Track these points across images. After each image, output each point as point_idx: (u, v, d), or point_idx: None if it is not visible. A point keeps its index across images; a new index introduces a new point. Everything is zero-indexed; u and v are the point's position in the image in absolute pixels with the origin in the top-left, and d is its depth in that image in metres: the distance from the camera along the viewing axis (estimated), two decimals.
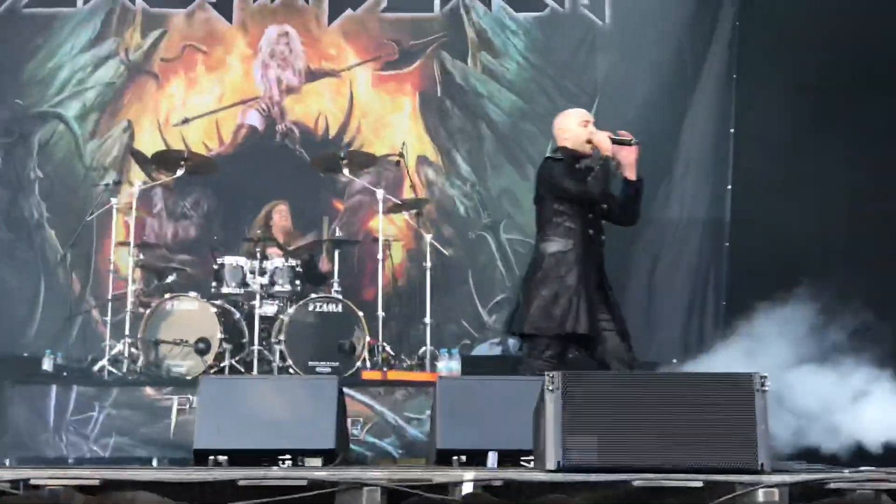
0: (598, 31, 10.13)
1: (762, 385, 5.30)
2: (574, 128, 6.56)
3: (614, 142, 6.39)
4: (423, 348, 8.67)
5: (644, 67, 9.79)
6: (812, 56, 8.85)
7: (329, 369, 8.13)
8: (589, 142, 6.46)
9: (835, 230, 7.94)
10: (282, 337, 8.19)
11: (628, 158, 6.39)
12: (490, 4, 10.27)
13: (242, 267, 8.44)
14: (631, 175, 6.40)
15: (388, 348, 8.58)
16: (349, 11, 10.26)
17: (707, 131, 9.95)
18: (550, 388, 5.03)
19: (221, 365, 8.08)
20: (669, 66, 9.91)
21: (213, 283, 8.47)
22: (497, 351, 9.73)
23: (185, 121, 10.12)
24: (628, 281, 9.42)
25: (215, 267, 8.49)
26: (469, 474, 4.69)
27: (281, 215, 9.41)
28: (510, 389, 5.93)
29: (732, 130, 9.83)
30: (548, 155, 6.69)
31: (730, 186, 9.80)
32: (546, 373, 5.08)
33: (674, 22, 9.90)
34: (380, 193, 8.77)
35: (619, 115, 9.49)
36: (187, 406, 7.32)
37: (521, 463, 5.62)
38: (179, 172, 8.66)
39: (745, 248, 9.30)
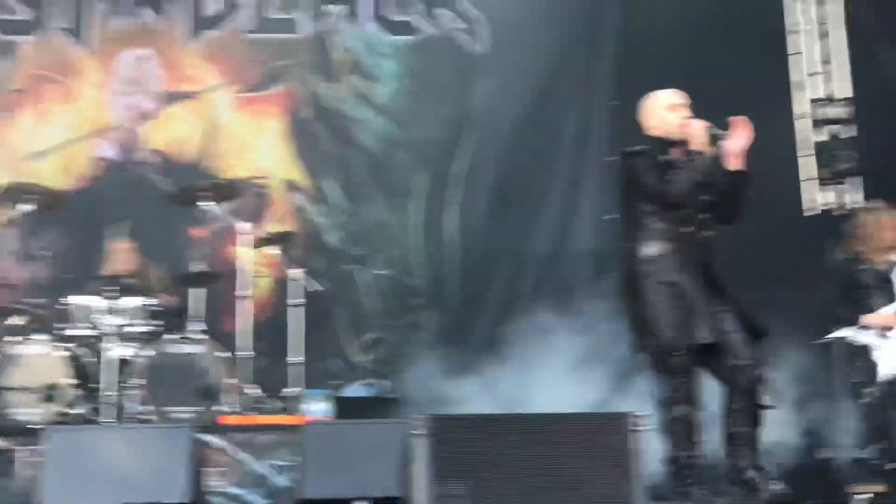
0: (476, 57, 10.15)
1: (637, 424, 5.35)
2: (662, 113, 6.15)
3: (711, 136, 5.97)
4: (291, 389, 8.53)
5: (522, 94, 9.83)
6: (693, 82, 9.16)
7: (190, 414, 7.93)
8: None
9: None
10: (138, 381, 7.98)
11: (733, 146, 5.91)
12: (362, 26, 10.23)
13: (91, 307, 8.22)
14: (733, 164, 5.92)
15: (252, 390, 8.42)
16: (212, 32, 10.14)
17: (589, 158, 10.05)
18: (419, 432, 5.00)
19: (72, 412, 7.84)
20: (547, 93, 9.97)
21: (61, 325, 8.22)
22: (370, 392, 9.63)
23: (37, 154, 9.87)
24: None
25: (64, 307, 8.26)
26: None
27: (125, 251, 9.15)
28: (383, 433, 5.88)
29: (615, 158, 9.94)
30: (625, 149, 6.20)
31: (611, 217, 9.90)
32: (414, 416, 5.04)
33: (552, 49, 9.98)
34: (245, 226, 8.63)
35: (496, 143, 9.57)
36: (33, 458, 7.08)
37: None
38: (26, 208, 8.40)
39: None
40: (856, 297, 7.78)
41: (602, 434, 5.27)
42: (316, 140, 10.14)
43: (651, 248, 5.91)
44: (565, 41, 10.03)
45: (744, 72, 9.67)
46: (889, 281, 7.89)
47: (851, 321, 7.63)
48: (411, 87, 10.18)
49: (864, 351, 7.77)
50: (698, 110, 9.76)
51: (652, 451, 5.45)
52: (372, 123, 10.15)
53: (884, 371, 7.69)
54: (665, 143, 6.04)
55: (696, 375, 5.80)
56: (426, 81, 10.15)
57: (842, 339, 7.77)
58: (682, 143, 6.01)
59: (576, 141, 10.03)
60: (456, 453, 5.04)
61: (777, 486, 5.79)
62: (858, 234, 7.95)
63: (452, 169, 9.97)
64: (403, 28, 10.23)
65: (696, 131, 5.94)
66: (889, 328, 7.72)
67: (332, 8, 10.22)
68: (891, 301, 7.82)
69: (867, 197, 9.82)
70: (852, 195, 10.01)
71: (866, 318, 7.74)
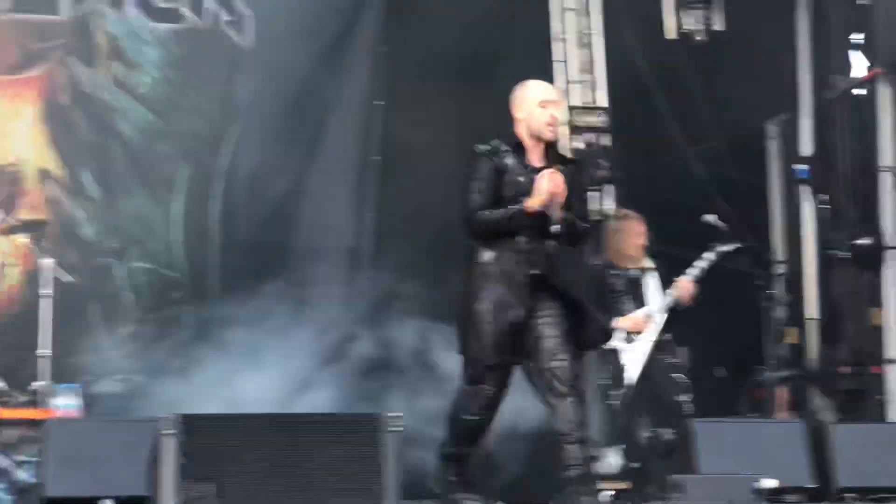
0: (240, 51, 10.03)
1: (393, 425, 5.43)
2: (531, 107, 5.90)
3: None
4: (39, 383, 8.29)
5: (287, 90, 9.79)
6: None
7: None
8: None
9: None
10: None
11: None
12: (124, 11, 9.94)
13: None
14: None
15: None
16: None
17: (352, 157, 10.10)
18: (166, 430, 4.95)
19: None
20: (312, 89, 9.97)
21: None
22: (121, 387, 9.44)
23: None
24: None
25: None
26: None
27: None
28: (131, 431, 5.79)
29: (378, 157, 10.05)
30: (475, 146, 5.97)
31: (373, 214, 10.00)
32: (163, 415, 4.99)
33: (318, 46, 9.96)
34: None
35: (259, 139, 9.52)
36: None
37: None
38: None
39: None
40: (607, 302, 8.07)
41: (355, 434, 5.33)
42: (73, 127, 9.81)
43: (485, 254, 5.90)
44: (332, 38, 10.03)
45: (512, 77, 9.91)
46: (639, 286, 8.22)
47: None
48: (174, 77, 9.93)
49: (613, 354, 8.08)
50: (469, 114, 10.13)
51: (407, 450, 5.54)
52: (132, 112, 9.89)
53: (630, 374, 8.02)
54: (520, 144, 5.89)
55: (497, 383, 5.95)
56: (190, 72, 9.95)
57: None
58: (541, 142, 5.91)
59: (341, 139, 10.07)
60: (205, 452, 5.02)
61: None
62: (609, 241, 8.24)
63: (215, 162, 9.85)
64: (169, 16, 9.97)
65: (551, 134, 5.83)
66: (638, 332, 8.05)
67: None
68: (639, 306, 8.16)
69: (619, 204, 10.24)
70: (606, 203, 10.39)
71: (618, 322, 8.04)
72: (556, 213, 5.74)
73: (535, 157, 5.91)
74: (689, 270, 8.16)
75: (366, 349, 9.28)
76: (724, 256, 8.32)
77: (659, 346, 8.10)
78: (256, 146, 9.70)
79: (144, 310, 9.69)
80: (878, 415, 9.26)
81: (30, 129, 9.76)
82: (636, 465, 8.01)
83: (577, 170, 6.08)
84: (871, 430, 8.12)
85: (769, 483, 6.43)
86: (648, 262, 8.28)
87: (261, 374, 8.84)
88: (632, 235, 8.22)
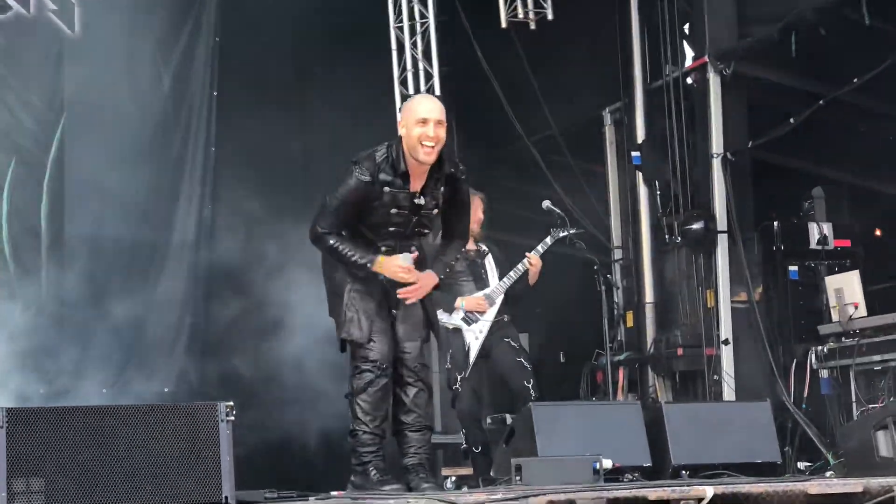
0: (67, 41, 9.79)
1: (227, 415, 5.42)
2: (408, 123, 5.79)
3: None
4: None
5: (118, 82, 9.64)
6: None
7: None
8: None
9: None
10: None
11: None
12: None
13: None
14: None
15: None
16: None
17: (191, 147, 10.02)
18: None
19: None
20: (146, 80, 9.84)
21: None
22: None
23: None
24: None
25: None
26: None
27: None
28: None
29: (213, 149, 9.99)
30: (354, 156, 5.92)
31: (210, 206, 9.94)
32: None
33: (148, 35, 9.83)
34: None
35: (90, 133, 9.35)
36: None
37: None
38: None
39: None
40: (448, 283, 8.12)
41: (192, 425, 5.30)
42: None
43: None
44: (164, 27, 9.91)
45: (350, 65, 9.99)
46: (476, 266, 8.26)
47: (443, 305, 7.97)
48: None
49: (456, 335, 8.14)
50: (308, 106, 10.16)
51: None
52: None
53: (473, 353, 8.10)
54: (396, 159, 5.81)
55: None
56: (15, 64, 9.68)
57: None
58: (421, 166, 5.82)
59: (178, 129, 9.97)
60: (34, 447, 4.93)
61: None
62: None
63: (43, 155, 9.63)
64: None
65: (423, 153, 5.73)
66: (481, 312, 8.13)
67: None
68: (479, 286, 8.22)
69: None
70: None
71: (463, 302, 8.09)
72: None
73: (416, 178, 5.85)
74: (536, 248, 8.25)
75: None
76: (563, 240, 8.46)
77: (499, 327, 8.19)
78: (87, 138, 9.52)
79: None
80: (714, 395, 9.52)
81: None
82: (477, 449, 8.12)
83: (455, 189, 6.03)
84: (703, 409, 8.39)
85: (606, 463, 6.57)
86: (485, 245, 8.36)
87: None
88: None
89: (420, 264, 6.03)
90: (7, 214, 9.51)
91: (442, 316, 7.85)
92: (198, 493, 5.19)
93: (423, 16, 10.51)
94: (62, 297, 9.25)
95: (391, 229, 5.93)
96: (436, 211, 5.97)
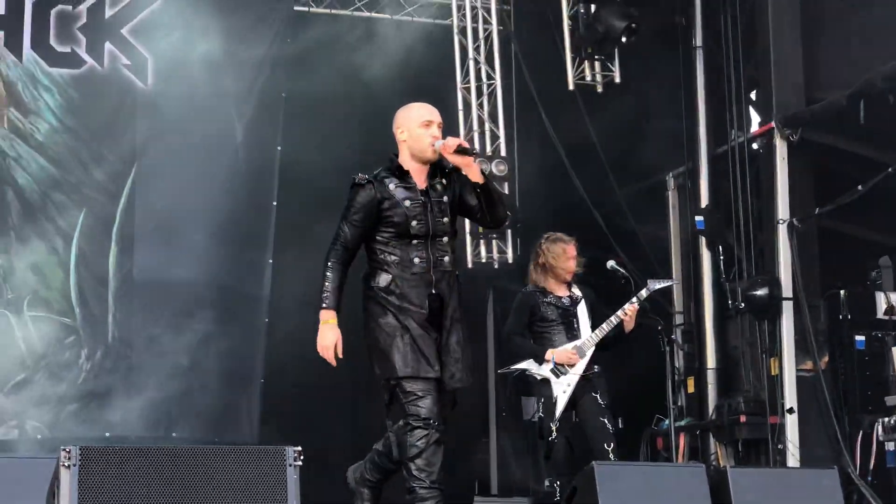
0: (140, 94, 10.04)
1: (295, 459, 5.47)
2: (411, 128, 5.87)
3: (459, 151, 5.76)
4: None
5: (189, 133, 9.84)
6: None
7: None
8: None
9: None
10: None
11: (465, 164, 5.80)
12: (21, 56, 9.90)
13: None
14: (477, 178, 5.81)
15: None
16: None
17: (253, 202, 10.19)
18: (66, 463, 4.94)
19: None
20: (215, 136, 10.03)
21: None
22: (13, 435, 9.35)
23: None
24: None
25: None
26: None
27: None
28: (25, 469, 5.72)
29: (275, 203, 10.14)
30: (354, 177, 5.91)
31: (271, 260, 10.07)
32: (62, 448, 4.97)
33: (220, 87, 10.03)
34: None
35: (160, 182, 9.54)
36: None
37: None
38: None
39: None
40: (538, 331, 8.06)
41: (261, 468, 5.35)
42: None
43: (380, 279, 5.83)
44: (236, 80, 10.12)
45: None
46: (569, 314, 8.14)
47: (533, 355, 7.92)
48: (71, 123, 9.90)
49: (545, 386, 8.04)
50: (373, 162, 10.29)
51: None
52: (28, 161, 9.79)
53: (560, 406, 7.99)
54: (401, 168, 5.85)
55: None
56: (88, 118, 9.93)
57: (523, 371, 8.01)
58: (425, 164, 5.85)
59: (241, 183, 10.13)
60: (105, 485, 5.00)
61: None
62: (542, 263, 8.12)
63: (112, 208, 9.83)
64: (67, 60, 9.94)
65: (444, 150, 5.75)
66: (571, 365, 8.01)
67: None
68: (570, 336, 8.08)
69: (518, 251, 10.45)
70: (506, 248, 10.61)
71: (553, 354, 7.98)
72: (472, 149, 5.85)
73: (419, 179, 5.88)
74: (631, 300, 8.07)
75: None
76: (657, 292, 8.31)
77: (588, 380, 8.01)
78: (156, 189, 9.72)
79: (37, 357, 9.59)
80: (779, 465, 9.42)
81: None
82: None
83: (456, 173, 5.93)
84: (769, 475, 8.29)
85: None
86: (579, 290, 8.16)
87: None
88: (565, 257, 8.05)
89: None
90: (75, 263, 9.71)
91: (531, 366, 7.87)
92: None
93: (489, 77, 10.65)
94: (129, 342, 9.40)
95: (413, 224, 5.79)
96: (446, 198, 5.87)
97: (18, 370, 9.56)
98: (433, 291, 5.81)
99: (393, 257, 5.81)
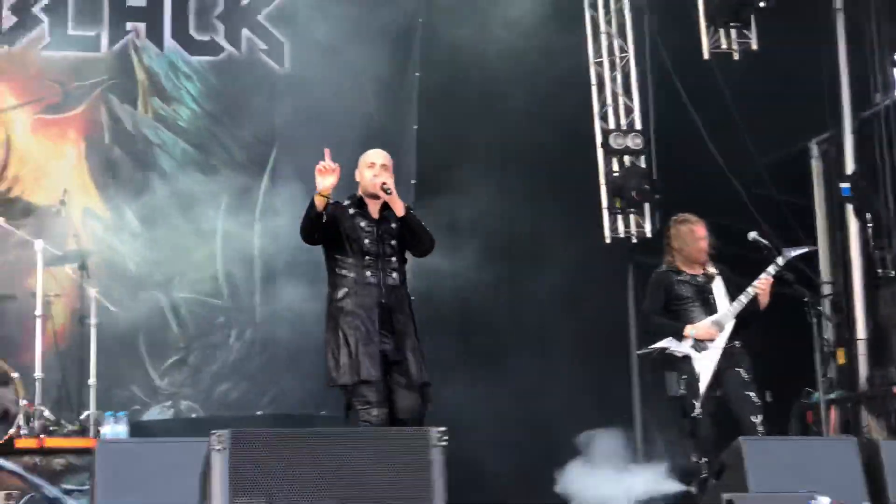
0: (277, 77, 10.20)
1: (439, 440, 5.46)
2: (362, 169, 6.82)
3: (384, 190, 6.67)
4: (86, 412, 8.42)
5: (326, 115, 9.92)
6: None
7: None
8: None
9: None
10: None
11: (389, 200, 6.71)
12: (163, 46, 10.15)
13: None
14: (399, 212, 6.70)
15: (46, 413, 8.28)
16: (5, 49, 9.93)
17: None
18: (217, 447, 5.01)
19: None
20: (352, 115, 10.09)
21: None
22: (169, 414, 9.57)
23: None
24: None
25: None
26: None
27: None
28: (178, 452, 5.84)
29: (414, 182, 10.16)
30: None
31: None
32: (213, 431, 5.04)
33: (358, 71, 10.10)
34: (38, 244, 8.53)
35: (297, 164, 9.63)
36: None
37: None
38: None
39: None
40: (675, 309, 7.99)
41: (406, 449, 5.36)
42: (115, 163, 10.01)
43: (338, 292, 6.63)
44: (370, 61, 10.16)
45: (548, 102, 10.04)
46: (705, 291, 8.08)
47: (672, 332, 7.86)
48: (213, 108, 10.15)
49: (686, 363, 7.96)
50: (502, 138, 10.24)
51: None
52: (172, 146, 10.07)
53: (704, 382, 7.91)
54: (361, 199, 6.75)
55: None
56: (228, 102, 10.14)
57: (664, 349, 7.93)
58: (377, 199, 6.72)
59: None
60: (255, 468, 5.05)
61: None
62: (673, 246, 8.10)
63: (254, 190, 9.99)
64: (206, 48, 10.19)
65: (374, 187, 6.66)
66: (711, 340, 7.94)
67: (133, 26, 10.13)
68: (707, 312, 8.03)
69: (657, 224, 10.29)
70: (643, 222, 10.46)
71: (692, 330, 7.91)
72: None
73: (374, 210, 6.78)
74: (767, 270, 7.99)
75: None
76: (794, 260, 8.15)
77: (731, 354, 7.95)
78: (295, 170, 9.83)
79: (189, 338, 9.81)
80: None
81: (73, 167, 9.94)
82: (717, 479, 7.86)
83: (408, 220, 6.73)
84: None
85: (824, 500, 6.34)
86: (713, 268, 8.11)
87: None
88: (694, 239, 8.04)
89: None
90: (221, 244, 9.90)
91: (671, 344, 7.80)
92: None
93: (622, 49, 10.49)
94: (276, 322, 9.53)
95: (365, 240, 6.64)
96: (394, 225, 6.70)
97: (171, 351, 9.81)
98: (382, 301, 6.59)
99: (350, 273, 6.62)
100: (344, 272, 6.63)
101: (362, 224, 6.68)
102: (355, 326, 6.50)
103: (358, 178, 6.83)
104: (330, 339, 6.58)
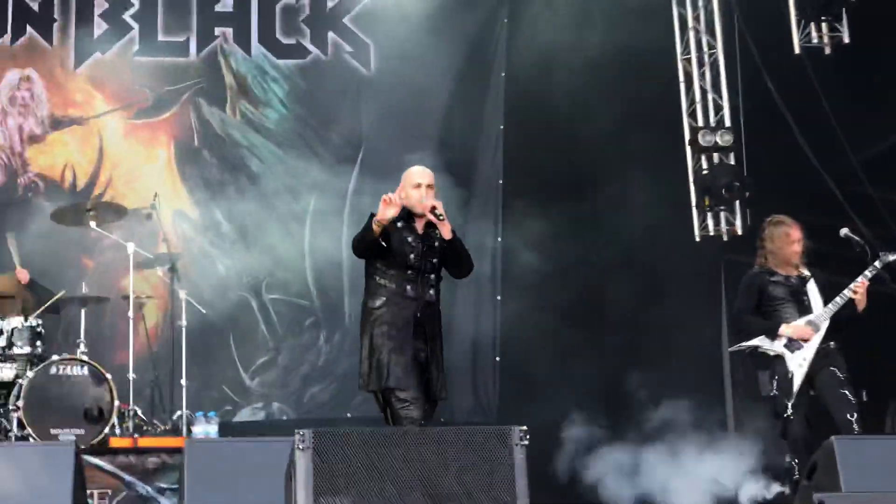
0: (363, 80, 10.26)
1: (521, 439, 5.45)
2: (408, 189, 6.87)
3: (435, 214, 6.72)
4: (178, 412, 8.54)
5: (411, 116, 9.96)
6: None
7: (73, 437, 7.88)
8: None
9: None
10: (20, 403, 7.93)
11: (437, 223, 6.79)
12: (250, 50, 10.28)
13: None
14: (447, 235, 6.79)
15: (139, 413, 8.42)
16: (98, 55, 10.12)
17: (480, 181, 10.23)
18: (301, 446, 5.05)
19: None
20: (438, 117, 10.11)
21: None
22: (260, 416, 9.68)
23: None
24: None
25: None
26: None
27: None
28: (265, 451, 5.90)
29: (501, 182, 10.14)
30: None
31: (500, 239, 10.09)
32: (297, 431, 5.08)
33: (443, 73, 10.13)
34: (130, 247, 8.67)
35: (384, 166, 9.68)
36: None
37: None
38: None
39: None
40: (768, 310, 7.92)
41: (488, 448, 5.36)
42: (204, 166, 10.18)
43: (376, 301, 6.72)
44: (456, 62, 10.20)
45: (636, 99, 9.96)
46: (799, 292, 8.00)
47: (765, 331, 7.78)
48: (300, 110, 10.27)
49: (780, 362, 7.89)
50: (592, 135, 10.19)
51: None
52: (261, 149, 10.20)
53: (797, 381, 7.83)
54: (410, 213, 6.79)
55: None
56: (315, 105, 10.24)
57: (755, 348, 7.88)
58: (421, 216, 6.79)
59: (468, 163, 10.19)
60: (339, 468, 5.09)
61: None
62: (767, 248, 8.07)
63: (341, 191, 10.06)
64: (292, 51, 10.31)
65: (423, 208, 6.73)
66: (805, 340, 7.86)
67: (221, 31, 10.27)
68: (801, 313, 7.96)
69: (748, 221, 10.16)
70: (734, 220, 10.33)
71: (787, 329, 7.85)
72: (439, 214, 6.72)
73: (419, 226, 6.85)
74: (864, 273, 7.92)
75: None
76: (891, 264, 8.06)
77: (825, 354, 7.86)
78: (381, 171, 9.87)
79: (278, 339, 9.91)
80: None
81: (163, 170, 10.10)
82: (809, 480, 7.76)
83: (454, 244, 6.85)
84: None
85: None
86: (807, 270, 8.03)
87: None
88: (787, 241, 7.97)
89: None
90: (309, 245, 9.99)
91: (763, 342, 7.74)
92: None
93: (710, 46, 10.38)
94: None
95: (410, 255, 6.70)
96: (437, 244, 6.78)
97: (261, 352, 9.92)
98: (418, 315, 6.69)
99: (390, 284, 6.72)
100: (384, 282, 6.73)
101: (409, 238, 6.76)
102: (391, 336, 6.62)
103: (402, 195, 6.84)
104: (365, 345, 6.69)
